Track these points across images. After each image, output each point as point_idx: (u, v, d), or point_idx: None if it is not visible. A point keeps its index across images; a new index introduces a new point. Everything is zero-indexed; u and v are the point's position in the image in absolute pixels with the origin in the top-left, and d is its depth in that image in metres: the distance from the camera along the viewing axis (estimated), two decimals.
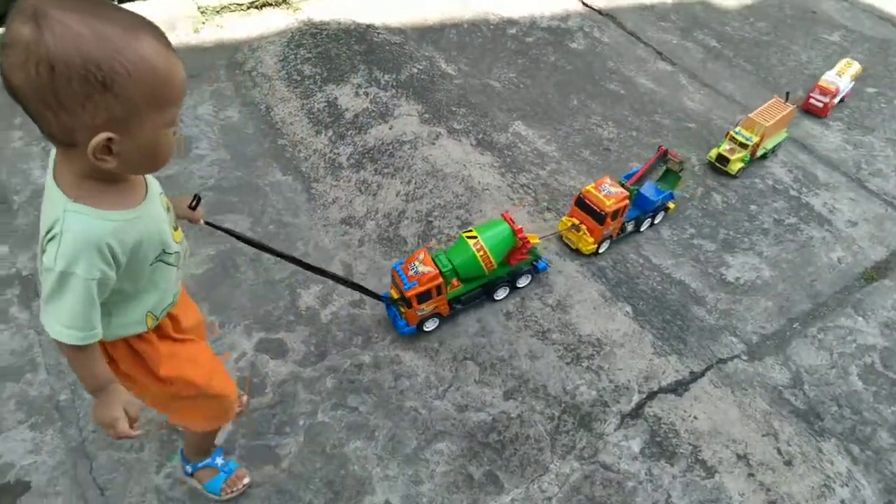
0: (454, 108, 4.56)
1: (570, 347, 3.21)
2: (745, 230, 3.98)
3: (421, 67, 4.85)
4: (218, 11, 5.17)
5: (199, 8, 5.08)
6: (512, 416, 2.96)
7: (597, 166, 4.35)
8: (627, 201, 3.48)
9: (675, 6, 6.27)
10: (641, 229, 3.86)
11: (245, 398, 2.85)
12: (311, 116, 4.35)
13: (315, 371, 3.07)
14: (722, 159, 4.24)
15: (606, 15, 5.98)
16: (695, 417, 3.00)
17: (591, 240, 3.55)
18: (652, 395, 3.05)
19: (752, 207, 4.11)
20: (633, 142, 4.65)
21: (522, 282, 3.42)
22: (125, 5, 5.17)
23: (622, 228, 3.71)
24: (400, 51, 5.00)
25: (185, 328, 1.65)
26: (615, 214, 3.44)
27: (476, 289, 3.27)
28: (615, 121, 4.80)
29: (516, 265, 3.32)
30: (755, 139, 4.07)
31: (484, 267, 3.16)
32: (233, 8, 5.23)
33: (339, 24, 5.09)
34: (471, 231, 3.18)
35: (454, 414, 2.96)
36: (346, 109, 4.35)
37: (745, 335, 3.39)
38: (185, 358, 1.63)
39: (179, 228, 1.60)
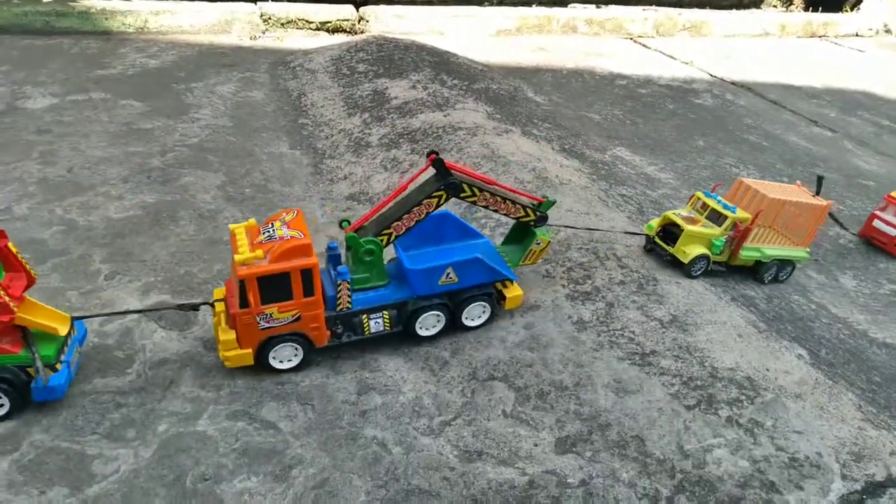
0: (536, 121, 3.46)
1: (693, 383, 1.70)
2: None
3: (501, 86, 3.87)
4: (283, 25, 4.56)
5: (262, 16, 4.49)
6: (570, 480, 1.45)
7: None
8: (309, 258, 1.60)
9: (828, 91, 5.13)
10: (427, 331, 1.84)
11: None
12: (350, 101, 3.38)
13: None
14: (668, 234, 2.17)
15: (741, 86, 4.91)
16: None
17: (228, 336, 1.63)
18: (875, 488, 1.45)
19: None
20: None
21: None
22: (197, 2, 4.77)
23: (338, 323, 1.74)
24: (478, 71, 4.08)
25: None
26: (279, 288, 1.61)
27: None
28: (757, 165, 3.55)
29: None
30: (740, 215, 2.17)
31: None
32: (300, 25, 4.61)
33: (414, 42, 4.30)
34: None
35: (454, 462, 1.49)
36: (395, 97, 3.36)
37: None
38: None
39: None
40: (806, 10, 7.34)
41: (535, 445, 1.54)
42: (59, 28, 4.06)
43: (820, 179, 2.43)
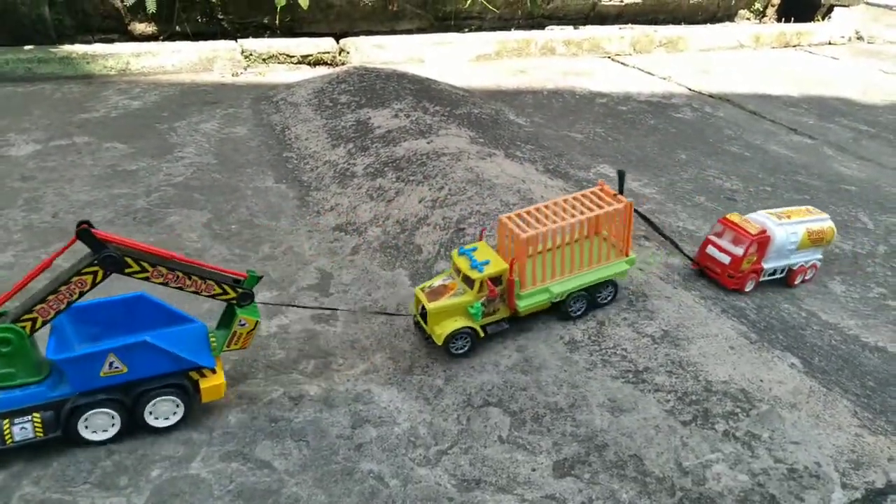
0: (519, 143, 3.49)
1: (688, 398, 1.69)
2: None
3: (483, 110, 3.90)
4: (264, 60, 4.60)
5: (243, 52, 4.53)
6: None
7: (716, 212, 3.09)
8: None
9: (805, 99, 5.21)
10: (100, 434, 1.56)
11: None
12: (333, 132, 3.40)
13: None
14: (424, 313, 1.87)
15: (720, 98, 4.98)
16: None
17: None
18: (875, 496, 1.44)
19: None
20: (768, 195, 3.38)
21: None
22: (177, 42, 4.86)
23: None
24: (460, 96, 4.12)
25: None
26: None
27: None
28: (740, 176, 3.58)
29: None
30: (492, 270, 1.84)
31: None
32: (282, 59, 4.65)
33: (395, 71, 4.35)
34: None
35: (452, 493, 1.48)
36: (378, 127, 3.38)
37: None
38: None
39: None
40: (779, 21, 7.49)
41: (534, 470, 1.53)
42: (40, 74, 4.08)
43: (621, 175, 2.09)
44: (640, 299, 2.08)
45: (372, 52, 4.98)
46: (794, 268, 2.42)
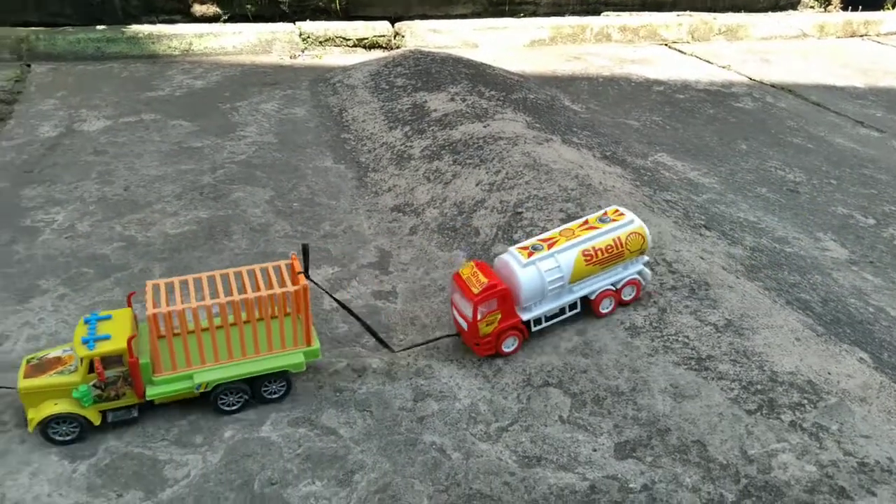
0: (576, 129, 3.46)
1: (753, 388, 1.68)
2: None
3: (538, 96, 3.88)
4: (321, 43, 4.65)
5: (301, 35, 4.59)
6: (632, 485, 1.44)
7: (779, 203, 3.02)
8: None
9: (873, 90, 5.02)
10: None
11: None
12: (390, 115, 3.43)
13: None
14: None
15: (782, 88, 4.84)
16: None
17: None
18: None
19: None
20: (834, 189, 3.28)
21: None
22: (238, 24, 4.98)
23: None
24: (515, 81, 4.11)
25: None
26: None
27: None
28: (803, 168, 3.49)
29: None
30: (109, 347, 1.48)
31: None
32: (338, 42, 4.70)
33: (451, 55, 4.35)
34: None
35: (513, 468, 1.50)
36: (435, 110, 3.40)
37: None
38: None
39: None
40: (845, 9, 7.22)
41: (595, 451, 1.54)
42: (109, 53, 4.21)
43: (305, 250, 1.73)
44: (701, 288, 2.06)
45: (427, 35, 4.99)
46: (592, 297, 1.91)
